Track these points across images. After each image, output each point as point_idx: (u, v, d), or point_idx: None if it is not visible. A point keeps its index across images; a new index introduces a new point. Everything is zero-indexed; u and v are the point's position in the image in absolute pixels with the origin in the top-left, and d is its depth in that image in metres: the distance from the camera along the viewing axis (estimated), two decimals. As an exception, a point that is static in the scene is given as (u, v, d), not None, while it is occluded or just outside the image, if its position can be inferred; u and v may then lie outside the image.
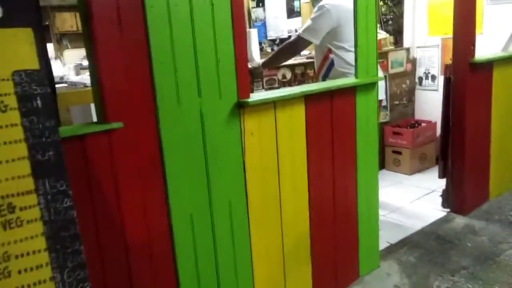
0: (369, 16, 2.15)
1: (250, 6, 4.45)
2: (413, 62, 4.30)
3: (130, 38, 1.41)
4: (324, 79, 2.78)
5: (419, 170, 4.03)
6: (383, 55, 4.00)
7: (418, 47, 4.32)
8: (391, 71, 4.09)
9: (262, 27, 4.33)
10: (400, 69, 4.19)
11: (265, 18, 4.30)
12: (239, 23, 1.66)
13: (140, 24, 1.43)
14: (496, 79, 3.04)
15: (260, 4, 4.33)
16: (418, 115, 4.38)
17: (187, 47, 1.54)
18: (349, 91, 2.14)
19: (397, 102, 4.21)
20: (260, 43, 4.33)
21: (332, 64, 2.71)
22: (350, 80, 2.17)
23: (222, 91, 1.65)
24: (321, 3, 2.67)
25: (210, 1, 1.58)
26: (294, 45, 2.74)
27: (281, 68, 3.23)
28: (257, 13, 4.39)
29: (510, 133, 3.26)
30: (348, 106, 2.15)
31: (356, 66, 2.17)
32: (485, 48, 3.74)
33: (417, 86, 4.37)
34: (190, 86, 1.56)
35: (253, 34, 3.54)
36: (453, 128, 2.95)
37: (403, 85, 4.25)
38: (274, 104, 1.83)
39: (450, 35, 2.89)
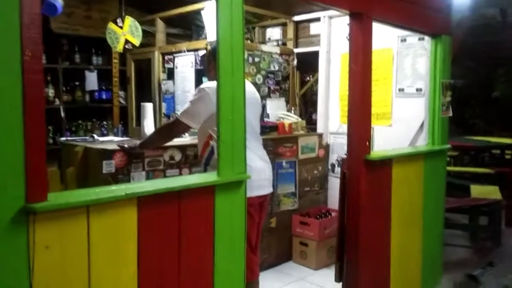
0: (236, 102, 1.89)
1: (161, 78, 4.21)
2: (326, 148, 4.13)
3: None
4: (205, 167, 2.47)
5: (327, 265, 3.70)
6: (292, 140, 3.80)
7: (331, 133, 4.18)
8: (302, 156, 3.88)
9: (172, 100, 4.06)
10: (312, 155, 3.99)
11: (174, 91, 4.04)
12: (34, 102, 1.31)
13: None
14: (397, 177, 2.85)
15: (171, 77, 4.09)
16: (331, 204, 4.13)
17: None
18: (205, 192, 1.80)
19: (307, 189, 3.96)
20: (168, 117, 4.03)
21: (212, 152, 2.41)
22: (206, 178, 1.84)
23: (-3, 192, 1.25)
24: (202, 86, 2.42)
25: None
26: (172, 127, 2.44)
27: (168, 148, 2.89)
28: (167, 85, 4.14)
29: (411, 238, 3.02)
30: (203, 210, 1.80)
31: (218, 161, 1.86)
32: (393, 141, 3.64)
33: (330, 173, 4.17)
34: None
35: (147, 108, 3.23)
36: (347, 228, 2.66)
37: (315, 171, 4.03)
38: (87, 208, 1.44)
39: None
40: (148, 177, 2.80)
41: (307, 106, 4.94)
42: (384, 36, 3.71)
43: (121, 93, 4.72)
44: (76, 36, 4.30)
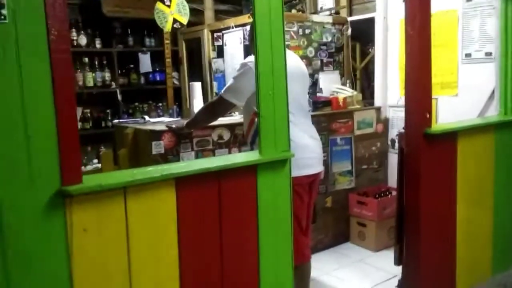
0: (276, 75, 1.76)
1: (211, 56, 4.15)
2: (385, 122, 3.89)
3: None
4: (252, 145, 2.38)
5: (387, 246, 3.51)
6: (347, 115, 3.60)
7: (390, 106, 3.92)
8: (358, 132, 3.67)
9: (222, 79, 4.01)
10: (369, 130, 3.76)
11: (224, 69, 3.98)
12: (64, 83, 1.28)
13: None
14: (462, 152, 2.58)
15: (221, 55, 4.03)
16: (392, 182, 3.90)
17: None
18: (247, 172, 1.71)
19: (365, 167, 3.76)
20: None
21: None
22: (247, 157, 1.75)
23: (34, 175, 1.25)
24: (244, 60, 2.31)
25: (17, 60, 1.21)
26: (216, 106, 2.37)
27: (217, 128, 2.84)
28: (217, 64, 4.08)
29: (480, 217, 2.76)
30: (245, 191, 1.72)
31: (259, 139, 1.76)
32: (460, 112, 3.33)
33: (390, 149, 3.93)
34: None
35: (196, 88, 3.20)
36: (407, 209, 2.47)
37: (373, 148, 3.81)
38: (124, 190, 1.41)
39: (434, 95, 2.49)
40: (197, 157, 2.77)
41: (369, 79, 4.66)
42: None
43: (175, 74, 4.74)
44: (128, 19, 4.34)
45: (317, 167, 2.35)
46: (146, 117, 3.11)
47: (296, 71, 2.36)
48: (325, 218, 3.50)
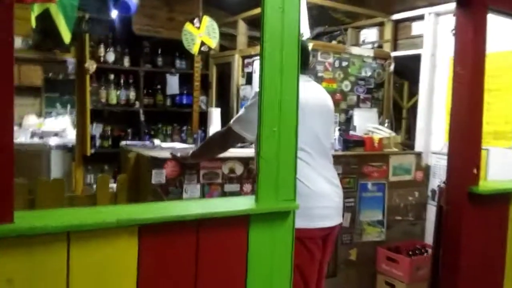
0: (285, 108, 1.45)
1: (240, 83, 3.91)
2: (426, 170, 3.44)
3: None
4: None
5: (418, 314, 3.02)
6: (382, 158, 3.20)
7: (433, 153, 3.47)
8: (393, 178, 3.25)
9: (249, 107, 3.73)
10: (407, 177, 3.33)
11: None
12: None
13: None
14: (516, 217, 2.14)
15: (250, 82, 3.77)
16: (429, 239, 3.41)
17: None
18: (236, 223, 1.38)
19: (399, 218, 3.31)
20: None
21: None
22: (238, 205, 1.42)
23: None
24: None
25: None
26: (224, 137, 2.07)
27: (228, 160, 2.54)
28: (245, 91, 3.83)
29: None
30: (232, 247, 1.38)
31: (257, 184, 1.44)
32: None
33: (430, 201, 3.46)
34: None
35: (214, 114, 2.93)
36: (442, 280, 2.04)
37: (410, 197, 3.36)
38: (67, 235, 1.12)
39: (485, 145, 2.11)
40: (203, 191, 2.47)
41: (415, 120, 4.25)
42: (509, 34, 2.95)
43: (202, 98, 4.53)
44: (159, 39, 4.21)
45: (334, 219, 1.98)
46: (157, 141, 2.86)
47: (319, 103, 2.03)
48: (347, 273, 3.06)
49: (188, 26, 3.51)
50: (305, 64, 2.11)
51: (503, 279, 2.11)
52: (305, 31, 3.38)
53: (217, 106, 4.13)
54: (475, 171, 1.98)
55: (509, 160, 2.96)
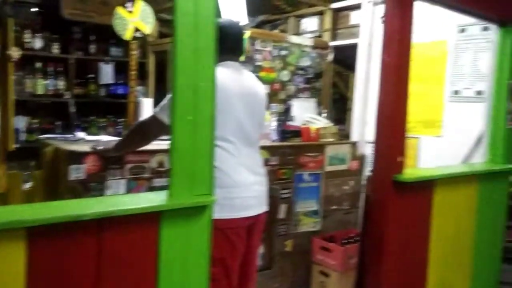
0: (201, 95, 1.37)
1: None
2: (361, 159, 3.48)
3: None
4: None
5: (352, 302, 3.06)
6: (319, 148, 3.20)
7: (368, 142, 3.52)
8: (329, 168, 3.26)
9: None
10: (342, 167, 3.35)
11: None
12: None
13: None
14: (439, 205, 2.18)
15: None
16: (364, 226, 3.47)
17: None
18: (145, 220, 1.29)
19: (334, 207, 3.33)
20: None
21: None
22: (147, 201, 1.32)
23: None
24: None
25: None
26: (147, 126, 1.95)
27: (157, 153, 2.42)
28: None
29: (455, 284, 2.33)
30: (140, 247, 1.29)
31: (169, 177, 1.35)
32: (443, 156, 2.95)
33: (364, 190, 3.51)
34: None
35: (145, 104, 2.79)
36: (368, 268, 2.05)
37: (345, 187, 3.39)
38: None
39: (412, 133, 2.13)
40: (129, 186, 2.34)
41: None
42: (438, 25, 3.02)
43: (140, 88, 4.34)
44: (91, 24, 3.96)
45: (257, 208, 1.93)
46: (81, 134, 2.68)
47: (247, 92, 1.96)
48: (282, 264, 3.05)
49: (119, 10, 3.31)
50: (236, 50, 2.04)
51: (427, 265, 2.16)
52: (242, 18, 3.30)
53: (155, 96, 3.96)
54: (399, 159, 1.99)
55: (438, 148, 3.05)
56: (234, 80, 1.93)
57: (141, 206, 1.27)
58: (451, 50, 3.06)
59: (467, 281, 2.45)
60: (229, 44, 1.96)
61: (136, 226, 1.27)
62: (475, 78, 2.94)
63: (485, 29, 2.84)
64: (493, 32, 2.73)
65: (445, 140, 3.06)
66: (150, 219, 1.29)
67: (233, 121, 1.85)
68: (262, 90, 2.13)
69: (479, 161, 2.75)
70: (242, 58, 2.21)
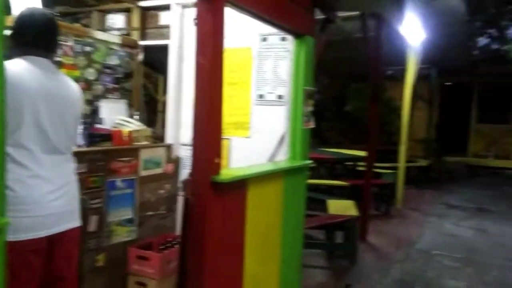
0: None
1: None
2: (176, 162, 3.45)
3: None
4: None
5: (172, 308, 2.99)
6: (132, 152, 3.02)
7: (183, 144, 3.51)
8: (144, 172, 3.12)
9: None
10: (157, 171, 3.25)
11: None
12: None
13: None
14: (252, 202, 2.30)
15: None
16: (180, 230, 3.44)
17: None
18: None
19: (150, 213, 3.21)
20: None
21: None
22: None
23: None
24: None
25: None
26: None
27: None
28: None
29: (267, 273, 2.51)
30: None
31: None
32: (252, 155, 3.14)
33: (180, 192, 3.49)
34: None
35: None
36: (189, 268, 2.02)
37: (161, 191, 3.30)
38: None
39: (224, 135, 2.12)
40: None
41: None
42: (244, 33, 3.20)
43: None
44: None
45: (58, 226, 1.69)
46: None
47: (50, 91, 1.69)
48: (94, 282, 2.77)
49: None
50: (41, 43, 1.74)
51: (243, 260, 2.25)
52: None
53: None
54: (217, 160, 2.01)
55: (247, 148, 3.24)
56: (36, 78, 1.64)
57: None
58: (255, 56, 3.29)
59: (277, 270, 2.66)
60: (30, 35, 1.68)
61: None
62: (276, 83, 3.22)
63: (283, 39, 3.14)
64: (290, 42, 3.04)
65: (252, 141, 3.27)
66: None
67: (31, 125, 1.57)
68: (77, 95, 1.89)
69: (283, 159, 3.03)
70: (55, 55, 1.90)
